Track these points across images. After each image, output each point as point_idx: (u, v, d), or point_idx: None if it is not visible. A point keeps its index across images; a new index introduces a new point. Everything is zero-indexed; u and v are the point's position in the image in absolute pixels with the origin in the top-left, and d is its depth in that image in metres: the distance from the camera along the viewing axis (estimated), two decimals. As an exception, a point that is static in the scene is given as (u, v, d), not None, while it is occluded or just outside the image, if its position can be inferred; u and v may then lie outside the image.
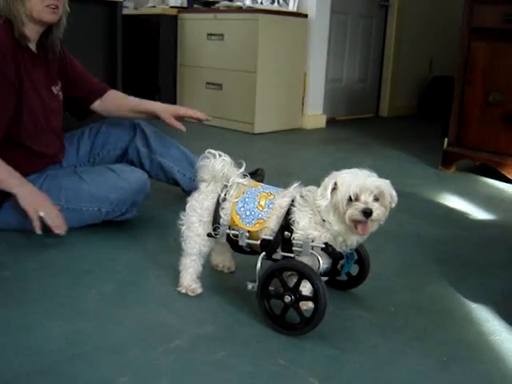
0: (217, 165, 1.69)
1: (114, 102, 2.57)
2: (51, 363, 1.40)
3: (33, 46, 2.21)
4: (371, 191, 1.51)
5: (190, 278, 1.77)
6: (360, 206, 1.50)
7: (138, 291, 1.82)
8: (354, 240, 1.59)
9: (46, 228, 2.05)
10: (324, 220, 1.55)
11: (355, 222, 1.52)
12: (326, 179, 1.55)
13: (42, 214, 2.03)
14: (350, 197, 1.50)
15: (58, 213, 2.09)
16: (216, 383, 1.36)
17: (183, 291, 1.77)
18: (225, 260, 1.94)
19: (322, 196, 1.53)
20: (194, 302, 1.75)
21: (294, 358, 1.47)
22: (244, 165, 1.74)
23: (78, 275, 1.90)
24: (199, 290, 1.77)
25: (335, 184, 1.53)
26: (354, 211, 1.50)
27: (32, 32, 2.15)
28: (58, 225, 2.06)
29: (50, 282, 1.84)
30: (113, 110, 2.57)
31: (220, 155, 1.72)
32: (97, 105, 2.54)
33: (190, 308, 1.72)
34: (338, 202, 1.51)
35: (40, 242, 2.13)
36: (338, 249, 1.59)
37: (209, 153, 1.73)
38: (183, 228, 1.76)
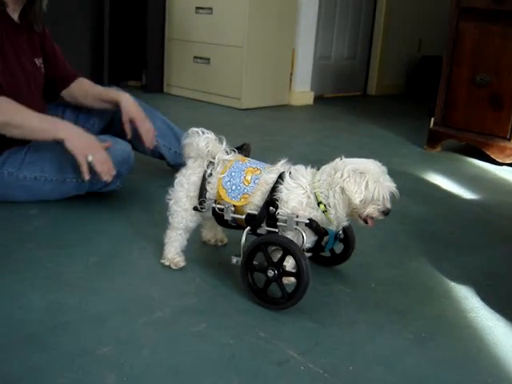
0: (201, 142, 1.69)
1: (81, 88, 2.49)
2: (33, 333, 1.41)
3: (15, 16, 2.18)
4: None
5: (174, 250, 1.78)
6: (382, 206, 1.57)
7: (122, 263, 1.83)
8: (344, 224, 1.64)
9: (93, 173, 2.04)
10: (330, 206, 1.58)
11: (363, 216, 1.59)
12: (352, 173, 1.54)
13: (90, 158, 2.00)
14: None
15: (107, 156, 2.05)
16: (197, 355, 1.37)
17: (167, 263, 1.78)
18: (216, 234, 1.96)
19: (358, 193, 1.53)
20: (177, 274, 1.76)
21: (275, 331, 1.49)
22: (225, 140, 1.73)
23: (61, 246, 1.90)
24: (182, 264, 1.78)
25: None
26: (374, 211, 1.57)
27: (10, 0, 2.13)
28: (106, 171, 2.04)
29: (33, 253, 1.84)
30: (78, 97, 2.50)
31: (204, 132, 1.71)
32: (65, 91, 2.49)
33: (172, 280, 1.73)
34: (363, 200, 1.55)
35: (23, 213, 2.13)
36: (331, 228, 1.62)
37: (192, 131, 1.72)
38: (171, 202, 1.76)
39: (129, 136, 2.40)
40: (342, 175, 1.54)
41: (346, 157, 1.61)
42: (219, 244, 1.96)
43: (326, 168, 1.61)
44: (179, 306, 1.58)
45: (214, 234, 1.95)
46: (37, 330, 1.42)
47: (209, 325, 1.50)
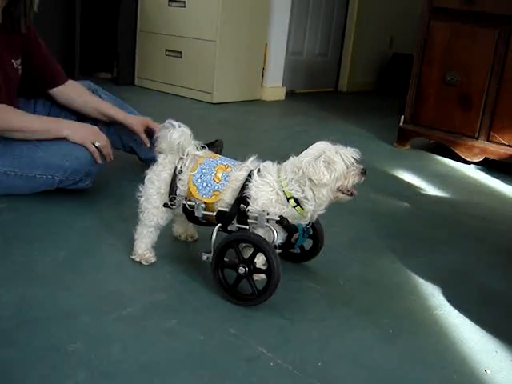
0: (174, 135, 1.68)
1: (80, 93, 2.50)
2: (2, 329, 1.40)
3: None
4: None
5: (144, 246, 1.78)
6: (357, 169, 1.60)
7: (92, 258, 1.82)
8: (316, 214, 1.65)
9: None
10: (308, 199, 1.59)
11: (341, 191, 1.62)
12: (306, 158, 1.58)
13: (97, 144, 2.14)
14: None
15: (107, 140, 2.20)
16: (167, 351, 1.38)
17: (137, 259, 1.78)
18: (187, 230, 1.95)
19: (322, 175, 1.55)
20: (148, 270, 1.76)
21: (244, 328, 1.50)
22: (192, 137, 1.72)
23: (30, 241, 1.89)
24: (153, 259, 1.78)
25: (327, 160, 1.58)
26: (355, 177, 1.60)
27: None
28: (110, 153, 2.21)
29: (2, 248, 1.82)
30: (76, 100, 2.47)
31: (180, 126, 1.70)
32: (57, 90, 2.46)
33: (143, 276, 1.73)
34: (340, 174, 1.57)
35: (-8, 206, 2.11)
36: (302, 222, 1.64)
37: (169, 123, 1.71)
38: (142, 200, 1.76)
39: (148, 144, 2.48)
40: (303, 172, 1.57)
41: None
42: (190, 240, 1.97)
43: (287, 166, 1.63)
44: (149, 302, 1.58)
45: (184, 229, 1.95)
46: (6, 326, 1.41)
47: (179, 321, 1.50)
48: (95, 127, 2.21)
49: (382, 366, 1.41)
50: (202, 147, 1.73)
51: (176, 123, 1.71)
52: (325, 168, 1.56)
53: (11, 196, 2.18)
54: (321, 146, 1.62)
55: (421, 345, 1.52)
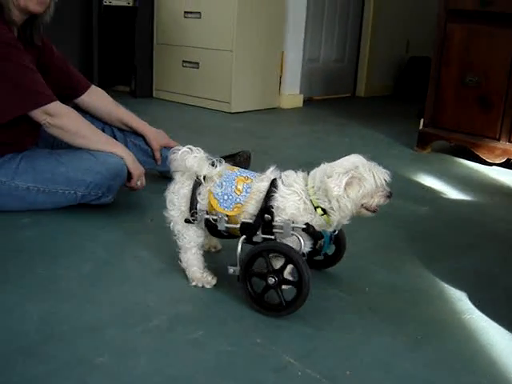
0: (189, 161, 1.64)
1: (103, 101, 2.58)
2: (29, 344, 1.40)
3: (15, 32, 2.17)
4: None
5: (198, 270, 1.74)
6: (385, 191, 1.60)
7: (116, 271, 1.83)
8: (341, 223, 1.64)
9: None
10: (334, 210, 1.58)
11: (365, 208, 1.61)
12: (339, 169, 1.56)
13: (139, 183, 2.28)
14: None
15: (144, 183, 2.32)
16: (194, 363, 1.38)
17: (199, 285, 1.73)
18: (211, 240, 1.94)
19: (336, 185, 1.54)
20: (172, 281, 1.76)
21: (271, 337, 1.49)
22: (219, 161, 1.66)
23: (54, 256, 1.90)
24: (214, 281, 1.74)
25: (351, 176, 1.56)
26: (381, 198, 1.60)
27: (18, 19, 2.13)
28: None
29: (27, 263, 1.83)
30: (101, 108, 2.55)
31: (193, 151, 1.65)
32: (80, 100, 2.52)
33: (168, 288, 1.73)
34: (368, 192, 1.57)
35: (15, 222, 2.12)
36: (328, 230, 1.64)
37: (178, 149, 1.67)
38: (171, 225, 1.74)
39: (159, 162, 2.59)
40: (333, 185, 1.54)
41: (336, 159, 1.62)
42: (213, 250, 1.96)
43: (316, 173, 1.61)
44: (175, 314, 1.58)
45: (208, 240, 1.94)
46: (33, 341, 1.42)
47: (205, 332, 1.50)
48: (142, 169, 2.30)
49: (411, 373, 1.40)
50: (219, 161, 1.68)
51: (190, 148, 1.66)
52: (341, 182, 1.54)
53: (34, 211, 2.20)
54: (355, 160, 1.60)
55: (449, 350, 1.50)
